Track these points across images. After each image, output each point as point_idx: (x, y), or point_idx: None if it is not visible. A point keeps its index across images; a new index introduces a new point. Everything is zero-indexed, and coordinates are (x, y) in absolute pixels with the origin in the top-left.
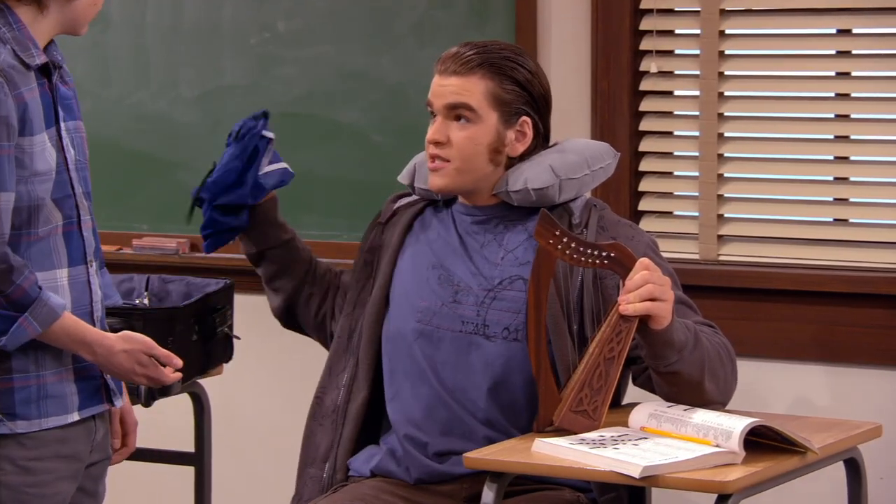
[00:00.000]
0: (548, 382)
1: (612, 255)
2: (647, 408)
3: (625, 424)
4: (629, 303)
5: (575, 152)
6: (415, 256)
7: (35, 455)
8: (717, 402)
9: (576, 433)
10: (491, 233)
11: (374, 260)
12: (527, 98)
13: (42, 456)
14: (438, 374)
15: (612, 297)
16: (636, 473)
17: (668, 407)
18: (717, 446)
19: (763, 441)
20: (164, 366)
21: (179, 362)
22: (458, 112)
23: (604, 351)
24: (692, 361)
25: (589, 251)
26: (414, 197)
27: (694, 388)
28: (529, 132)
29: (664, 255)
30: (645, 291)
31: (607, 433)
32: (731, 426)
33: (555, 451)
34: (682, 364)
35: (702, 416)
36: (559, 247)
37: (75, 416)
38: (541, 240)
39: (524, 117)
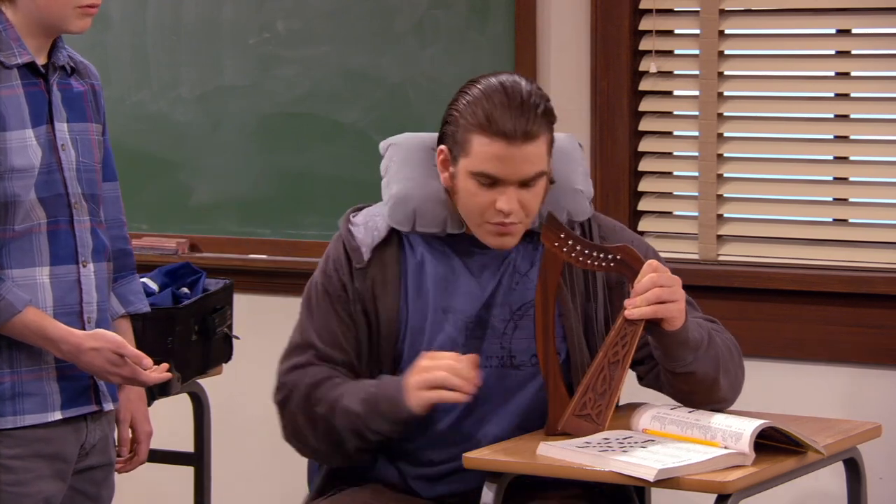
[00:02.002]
0: (557, 386)
1: (619, 257)
2: (649, 410)
3: (625, 427)
4: (635, 307)
5: (575, 162)
6: (419, 302)
7: (14, 453)
8: (729, 400)
9: (580, 437)
10: (507, 259)
11: (368, 309)
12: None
13: (22, 454)
14: (471, 414)
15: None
16: (651, 476)
17: (672, 409)
18: (725, 448)
19: (768, 442)
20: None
21: (149, 362)
22: (532, 180)
23: (608, 355)
24: (708, 360)
25: (595, 253)
26: (378, 232)
27: (709, 387)
28: (551, 157)
29: (663, 255)
30: (652, 295)
31: (612, 436)
32: (740, 428)
33: (562, 455)
34: (699, 363)
35: (708, 419)
36: (564, 249)
37: (57, 416)
38: (547, 242)
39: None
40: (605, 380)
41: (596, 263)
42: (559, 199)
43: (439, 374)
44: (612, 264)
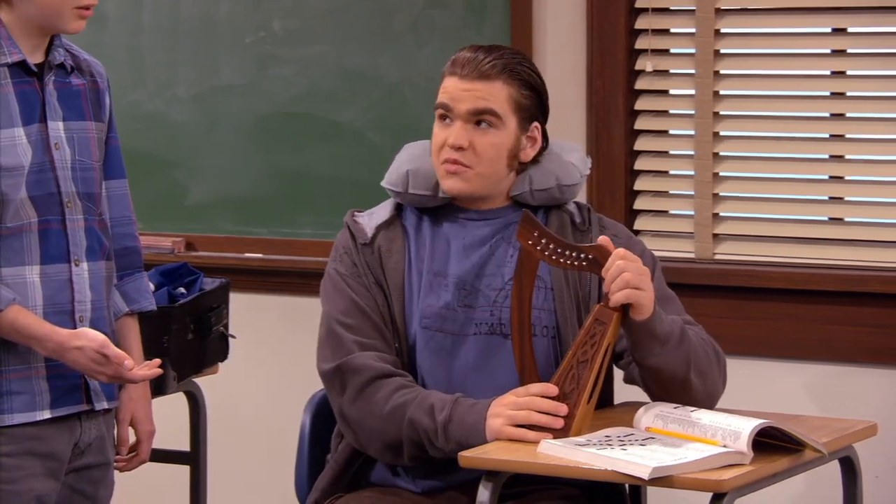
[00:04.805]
0: (532, 382)
1: (591, 256)
2: (653, 408)
3: (622, 424)
4: (610, 293)
5: (573, 151)
6: (419, 266)
7: (7, 451)
8: (703, 402)
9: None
10: (500, 233)
11: (379, 279)
12: (539, 104)
13: (13, 452)
14: (458, 380)
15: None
16: (645, 474)
17: (675, 408)
18: (725, 446)
19: (768, 441)
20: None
21: (131, 362)
22: (481, 117)
23: (577, 354)
24: (677, 357)
25: (568, 252)
26: (380, 216)
27: (680, 385)
28: (539, 137)
29: (659, 254)
30: (621, 281)
31: (613, 433)
32: (739, 427)
33: (562, 453)
34: (667, 357)
35: (710, 417)
36: (538, 247)
37: (46, 414)
38: (522, 240)
39: (535, 123)
40: (574, 379)
41: (569, 262)
42: (548, 167)
43: (523, 413)
44: (584, 263)
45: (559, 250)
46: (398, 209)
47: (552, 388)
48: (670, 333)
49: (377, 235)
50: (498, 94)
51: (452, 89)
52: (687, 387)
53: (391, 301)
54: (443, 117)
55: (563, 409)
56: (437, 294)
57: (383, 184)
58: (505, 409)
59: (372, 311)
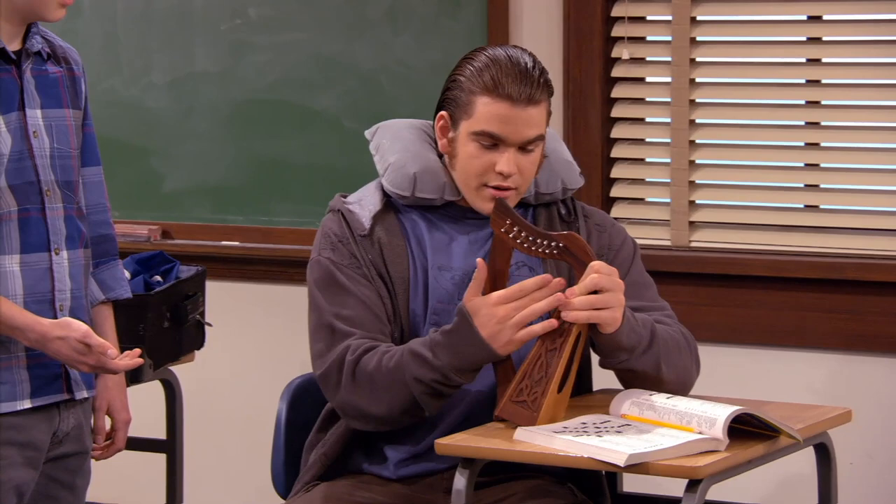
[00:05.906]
0: (505, 370)
1: (562, 244)
2: (628, 395)
3: (598, 411)
4: (573, 308)
5: (560, 142)
6: (422, 261)
7: None
8: (677, 390)
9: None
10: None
11: (382, 272)
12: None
13: None
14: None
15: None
16: (621, 461)
17: (651, 395)
18: (700, 433)
19: (743, 427)
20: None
21: (115, 351)
22: (532, 143)
23: (546, 342)
24: (645, 360)
25: (539, 240)
26: (374, 206)
27: (651, 380)
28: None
29: (637, 241)
30: (586, 302)
31: (589, 420)
32: (715, 414)
33: (538, 440)
34: (634, 363)
35: (685, 404)
36: (511, 235)
37: (27, 404)
38: (496, 228)
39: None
40: (542, 367)
41: (540, 250)
42: (554, 169)
43: (520, 315)
44: (555, 252)
45: (531, 238)
46: (387, 196)
47: (547, 277)
48: (637, 342)
49: (374, 227)
50: (542, 115)
51: (502, 119)
52: (659, 381)
53: (395, 294)
54: (489, 144)
55: (557, 283)
56: (444, 288)
57: (386, 185)
58: (504, 324)
59: (372, 303)
